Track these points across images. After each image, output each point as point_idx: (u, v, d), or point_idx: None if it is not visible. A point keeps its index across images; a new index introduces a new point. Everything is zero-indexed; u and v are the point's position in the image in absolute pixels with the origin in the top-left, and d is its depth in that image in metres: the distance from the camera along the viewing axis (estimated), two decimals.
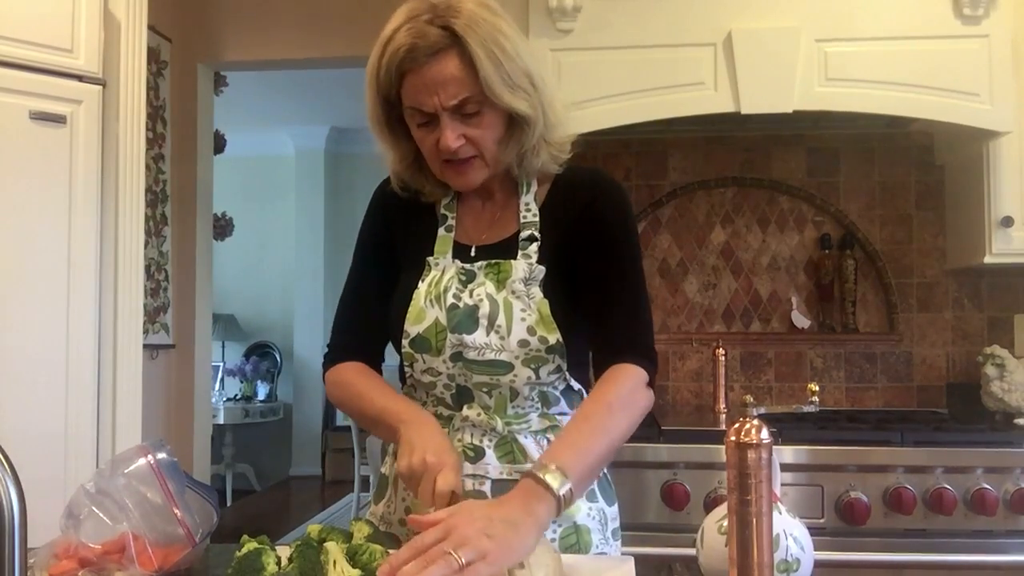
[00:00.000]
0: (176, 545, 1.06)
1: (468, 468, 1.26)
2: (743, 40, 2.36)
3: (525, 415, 1.29)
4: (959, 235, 2.70)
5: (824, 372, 2.80)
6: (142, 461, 1.08)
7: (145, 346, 2.78)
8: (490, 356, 1.25)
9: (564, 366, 1.29)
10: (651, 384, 1.26)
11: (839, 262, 2.78)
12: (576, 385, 1.32)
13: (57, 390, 2.47)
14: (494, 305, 1.25)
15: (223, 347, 7.51)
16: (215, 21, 3.91)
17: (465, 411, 1.29)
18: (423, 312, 1.28)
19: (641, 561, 1.11)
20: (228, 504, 6.76)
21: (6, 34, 2.40)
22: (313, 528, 1.13)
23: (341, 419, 7.31)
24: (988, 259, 2.43)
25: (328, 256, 7.70)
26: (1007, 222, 2.40)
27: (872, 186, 2.83)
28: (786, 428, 2.18)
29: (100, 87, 2.58)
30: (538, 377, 1.27)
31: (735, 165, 2.87)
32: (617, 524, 1.36)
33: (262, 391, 7.59)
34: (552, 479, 1.06)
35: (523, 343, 1.24)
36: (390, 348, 1.36)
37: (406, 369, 1.33)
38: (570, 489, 1.07)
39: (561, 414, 1.31)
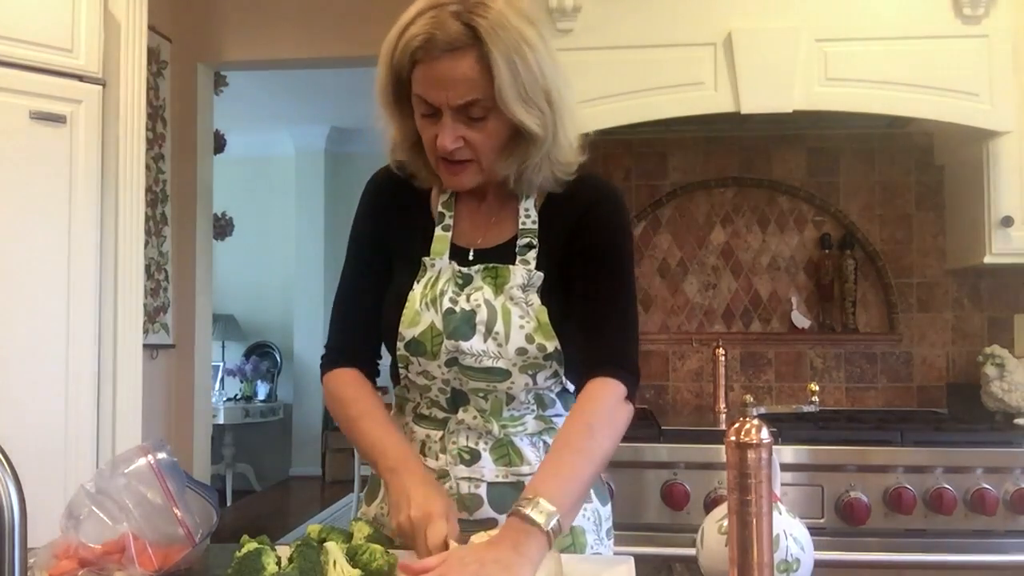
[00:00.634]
0: (176, 545, 1.05)
1: (464, 471, 1.25)
2: (743, 40, 2.36)
3: (521, 418, 1.28)
4: (959, 235, 2.70)
5: (824, 372, 2.80)
6: (142, 461, 1.08)
7: (145, 346, 2.79)
8: (487, 363, 1.23)
9: (561, 371, 1.27)
10: (630, 398, 1.24)
11: (839, 262, 2.78)
12: (571, 387, 1.30)
13: (57, 390, 2.47)
14: (492, 311, 1.23)
15: (223, 347, 7.50)
16: (215, 21, 3.91)
17: (460, 414, 1.27)
18: (418, 315, 1.25)
19: (641, 561, 1.11)
20: (228, 504, 6.76)
21: (6, 34, 2.40)
22: (313, 528, 1.13)
23: None
24: (988, 259, 2.43)
25: (328, 256, 7.69)
26: (1007, 222, 2.40)
27: (872, 186, 2.83)
28: (786, 428, 2.18)
29: (100, 87, 2.58)
30: (535, 383, 1.26)
31: (735, 165, 2.87)
32: (611, 524, 1.36)
33: (262, 391, 7.59)
34: (538, 515, 1.04)
35: (521, 351, 1.22)
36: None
37: (401, 371, 1.31)
38: (558, 522, 1.06)
39: (557, 416, 1.30)
